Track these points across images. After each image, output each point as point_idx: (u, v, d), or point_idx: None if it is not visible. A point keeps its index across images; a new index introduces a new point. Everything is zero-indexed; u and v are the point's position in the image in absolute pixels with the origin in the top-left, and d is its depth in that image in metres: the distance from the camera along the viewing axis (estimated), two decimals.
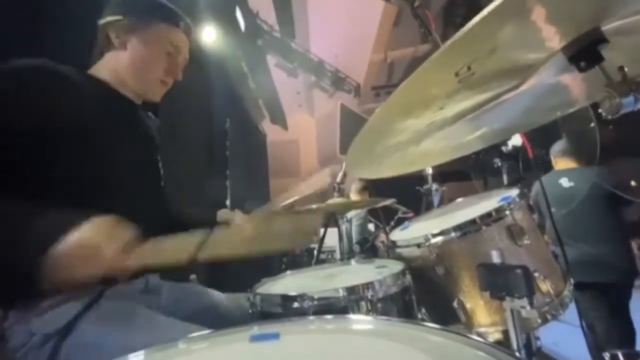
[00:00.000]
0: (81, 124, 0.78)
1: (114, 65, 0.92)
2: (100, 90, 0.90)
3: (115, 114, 0.89)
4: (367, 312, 0.81)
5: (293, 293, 0.84)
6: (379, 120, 0.66)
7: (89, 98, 0.82)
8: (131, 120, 0.97)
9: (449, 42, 0.46)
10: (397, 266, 0.98)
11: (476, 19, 0.43)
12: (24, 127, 0.71)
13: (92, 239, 0.59)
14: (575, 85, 0.75)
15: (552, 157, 2.57)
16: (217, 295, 1.08)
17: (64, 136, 0.75)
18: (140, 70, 0.93)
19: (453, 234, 0.97)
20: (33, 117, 0.72)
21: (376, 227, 3.64)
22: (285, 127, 9.21)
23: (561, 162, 2.49)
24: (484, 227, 0.95)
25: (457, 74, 0.55)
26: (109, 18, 0.91)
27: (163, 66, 0.95)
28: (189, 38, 1.00)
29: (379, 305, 0.83)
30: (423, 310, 1.00)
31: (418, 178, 3.41)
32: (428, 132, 0.81)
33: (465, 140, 0.98)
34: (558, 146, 2.60)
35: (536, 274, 0.91)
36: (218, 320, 0.98)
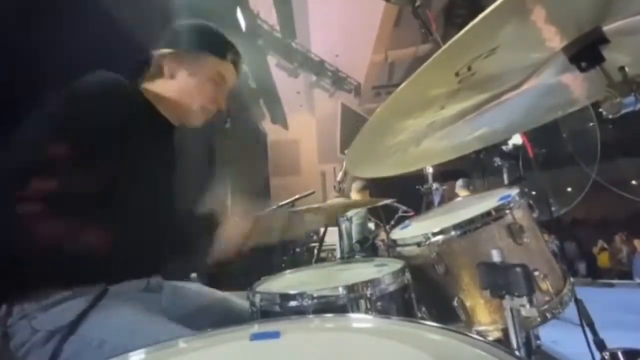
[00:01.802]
0: (126, 131, 0.83)
1: (162, 92, 0.97)
2: (145, 106, 0.94)
3: (152, 131, 0.93)
4: (367, 311, 0.82)
5: (293, 291, 0.84)
6: (380, 119, 0.66)
7: (136, 111, 0.88)
8: (164, 140, 1.01)
9: (449, 42, 0.46)
10: (397, 265, 0.98)
11: (477, 19, 0.43)
12: (96, 126, 0.78)
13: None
14: (576, 84, 0.75)
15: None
16: (217, 294, 1.08)
17: (113, 140, 0.80)
18: (184, 101, 0.97)
19: (453, 233, 0.97)
20: (103, 119, 0.80)
21: (376, 225, 3.64)
22: (285, 126, 9.22)
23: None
24: (484, 226, 0.95)
25: (457, 74, 0.55)
26: (162, 50, 0.95)
27: (207, 95, 0.99)
28: (237, 67, 1.03)
29: (379, 303, 0.83)
30: (423, 308, 1.00)
31: (418, 177, 3.42)
32: (429, 131, 0.81)
33: (466, 139, 0.98)
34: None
35: (536, 273, 0.91)
36: (218, 319, 0.99)
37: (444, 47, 0.47)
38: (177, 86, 0.96)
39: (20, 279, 0.76)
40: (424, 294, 1.00)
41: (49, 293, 0.76)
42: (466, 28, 0.44)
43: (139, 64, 0.98)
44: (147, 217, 0.89)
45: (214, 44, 0.99)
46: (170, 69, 0.96)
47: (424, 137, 0.84)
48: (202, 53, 0.97)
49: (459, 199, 1.32)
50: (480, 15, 0.42)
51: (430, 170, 3.37)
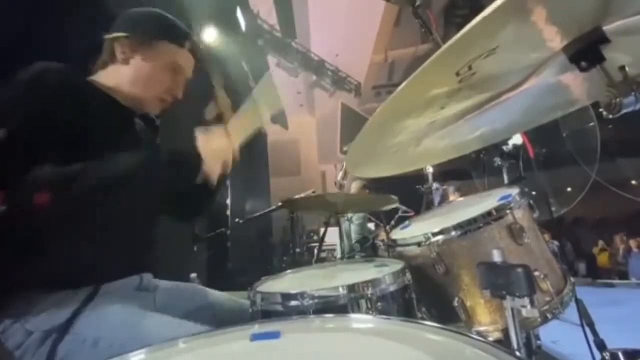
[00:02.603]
0: (79, 124, 0.80)
1: (116, 79, 0.94)
2: (98, 96, 0.91)
3: (110, 120, 0.90)
4: (367, 311, 0.82)
5: (293, 291, 0.84)
6: (380, 119, 0.66)
7: (88, 101, 0.84)
8: (124, 127, 0.97)
9: (449, 42, 0.46)
10: (397, 265, 0.98)
11: (477, 19, 0.43)
12: (38, 120, 0.75)
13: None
14: (576, 84, 0.75)
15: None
16: (216, 294, 1.08)
17: (64, 133, 0.77)
18: (140, 87, 0.94)
19: (453, 233, 0.97)
20: (45, 112, 0.76)
21: (376, 225, 3.64)
22: (285, 126, 9.21)
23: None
24: (484, 226, 0.95)
25: (457, 74, 0.55)
26: (116, 34, 0.92)
27: (164, 85, 0.96)
28: (195, 56, 1.00)
29: (379, 303, 0.83)
30: (423, 308, 1.00)
31: (418, 177, 3.41)
32: (429, 131, 0.81)
33: (466, 139, 0.98)
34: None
35: (536, 273, 0.91)
36: (216, 319, 0.98)
37: (444, 47, 0.47)
38: (131, 73, 0.93)
39: (10, 282, 0.75)
40: (424, 294, 1.00)
41: (39, 296, 0.76)
42: (467, 27, 0.44)
43: (89, 49, 0.95)
44: (126, 214, 0.88)
45: (171, 30, 0.96)
46: (124, 54, 0.92)
47: (424, 137, 0.84)
48: (158, 40, 0.94)
49: (459, 199, 1.32)
50: (481, 15, 0.42)
51: (430, 170, 3.37)
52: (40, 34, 1.65)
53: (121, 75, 0.93)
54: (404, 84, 0.54)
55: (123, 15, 0.96)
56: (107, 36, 0.93)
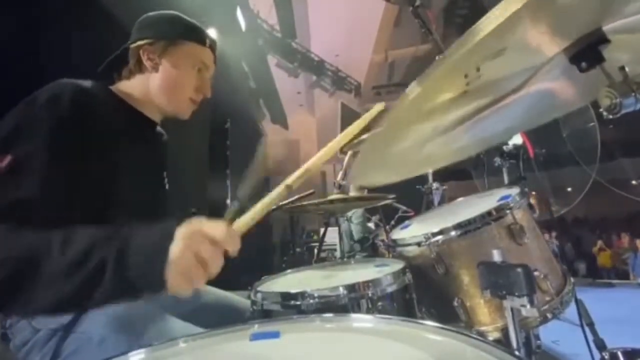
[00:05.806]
0: (99, 138, 0.80)
1: (145, 87, 0.94)
2: (120, 107, 0.91)
3: (131, 131, 0.91)
4: (368, 311, 0.82)
5: (294, 291, 0.84)
6: (387, 128, 0.65)
7: (109, 114, 0.84)
8: (146, 138, 0.98)
9: (465, 46, 0.45)
10: (397, 265, 0.99)
11: (491, 23, 0.42)
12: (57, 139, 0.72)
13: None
14: (576, 85, 0.75)
15: None
16: (218, 293, 1.08)
17: (84, 149, 0.76)
18: (172, 91, 0.95)
19: (453, 233, 0.97)
20: (66, 130, 0.74)
21: (376, 225, 3.64)
22: (285, 126, 9.22)
23: None
24: (484, 226, 0.96)
25: (466, 76, 0.54)
26: (140, 42, 0.92)
27: (194, 84, 0.96)
28: (214, 53, 1.01)
29: (379, 303, 0.83)
30: (423, 308, 1.01)
31: (419, 177, 3.41)
32: (432, 136, 0.80)
33: (468, 143, 0.97)
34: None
35: (536, 273, 0.91)
36: (218, 319, 0.99)
37: (458, 51, 0.46)
38: (162, 77, 0.93)
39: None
40: (424, 294, 1.00)
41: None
42: (485, 29, 0.43)
43: (114, 61, 0.95)
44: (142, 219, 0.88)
45: (192, 31, 0.96)
46: (152, 60, 0.92)
47: (427, 142, 0.83)
48: (184, 41, 0.94)
49: (459, 199, 1.32)
50: (500, 17, 0.42)
51: (430, 170, 3.37)
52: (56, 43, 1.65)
53: (151, 83, 0.93)
54: (413, 92, 0.53)
55: (142, 22, 0.96)
56: (132, 45, 0.93)
